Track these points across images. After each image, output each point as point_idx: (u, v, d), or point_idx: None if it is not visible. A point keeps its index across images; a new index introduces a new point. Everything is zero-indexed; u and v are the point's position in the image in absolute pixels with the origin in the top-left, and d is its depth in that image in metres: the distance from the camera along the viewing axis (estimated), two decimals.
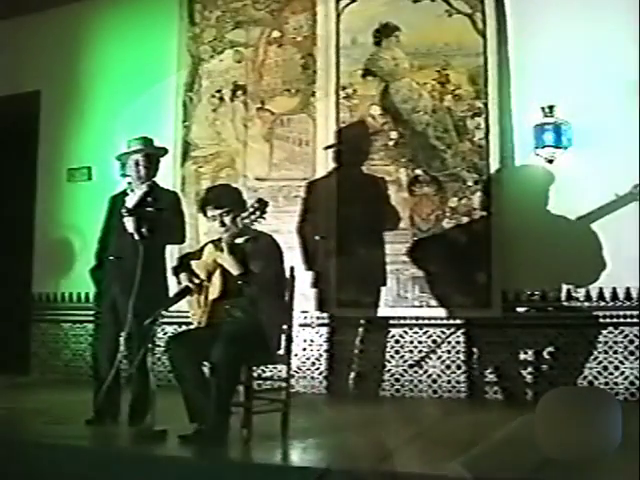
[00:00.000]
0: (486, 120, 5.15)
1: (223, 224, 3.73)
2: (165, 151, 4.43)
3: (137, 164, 4.16)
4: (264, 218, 3.63)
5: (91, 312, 5.65)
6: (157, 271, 4.07)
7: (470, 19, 5.25)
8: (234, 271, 3.64)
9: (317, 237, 5.44)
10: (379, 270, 5.26)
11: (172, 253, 4.43)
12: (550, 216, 4.98)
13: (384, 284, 5.24)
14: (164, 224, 4.06)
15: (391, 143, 5.37)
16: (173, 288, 3.99)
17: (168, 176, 5.39)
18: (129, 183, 4.25)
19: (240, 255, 3.67)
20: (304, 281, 5.14)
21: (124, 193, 4.24)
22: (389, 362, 5.25)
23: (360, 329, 5.34)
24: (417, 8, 5.37)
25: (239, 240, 3.72)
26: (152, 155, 4.23)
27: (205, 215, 3.85)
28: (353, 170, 5.43)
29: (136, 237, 3.97)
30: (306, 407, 4.52)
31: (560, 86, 4.95)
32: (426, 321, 5.19)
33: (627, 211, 4.76)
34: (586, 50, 4.94)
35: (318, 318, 5.43)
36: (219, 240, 3.77)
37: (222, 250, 3.67)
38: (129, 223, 3.99)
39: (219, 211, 3.75)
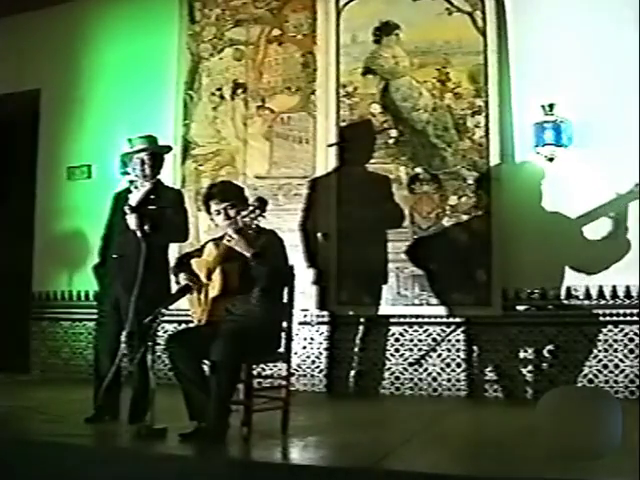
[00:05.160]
0: (486, 118, 5.14)
1: (228, 217, 3.73)
2: (169, 149, 4.45)
3: (142, 163, 4.15)
4: (264, 217, 3.63)
5: (91, 310, 5.68)
6: (159, 269, 4.06)
7: (470, 17, 5.24)
8: (247, 252, 3.62)
9: (319, 234, 5.44)
10: (380, 268, 5.26)
11: (173, 251, 4.43)
12: (550, 214, 4.98)
13: (385, 282, 5.25)
14: (167, 222, 4.07)
15: (391, 141, 5.36)
16: (175, 286, 3.99)
17: (168, 174, 5.40)
18: (131, 181, 4.25)
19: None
20: (304, 279, 5.14)
21: (128, 190, 4.24)
22: (389, 360, 5.25)
23: (360, 327, 5.35)
24: (417, 6, 5.37)
25: None
26: (157, 153, 4.24)
27: (208, 211, 3.85)
28: (356, 168, 5.43)
29: (139, 235, 3.98)
30: (306, 405, 4.53)
31: (560, 84, 4.94)
32: (426, 319, 5.19)
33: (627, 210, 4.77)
34: (586, 48, 4.93)
35: (318, 316, 5.44)
36: (220, 239, 3.77)
37: (235, 232, 3.63)
38: (132, 220, 3.99)
39: (224, 205, 3.75)
